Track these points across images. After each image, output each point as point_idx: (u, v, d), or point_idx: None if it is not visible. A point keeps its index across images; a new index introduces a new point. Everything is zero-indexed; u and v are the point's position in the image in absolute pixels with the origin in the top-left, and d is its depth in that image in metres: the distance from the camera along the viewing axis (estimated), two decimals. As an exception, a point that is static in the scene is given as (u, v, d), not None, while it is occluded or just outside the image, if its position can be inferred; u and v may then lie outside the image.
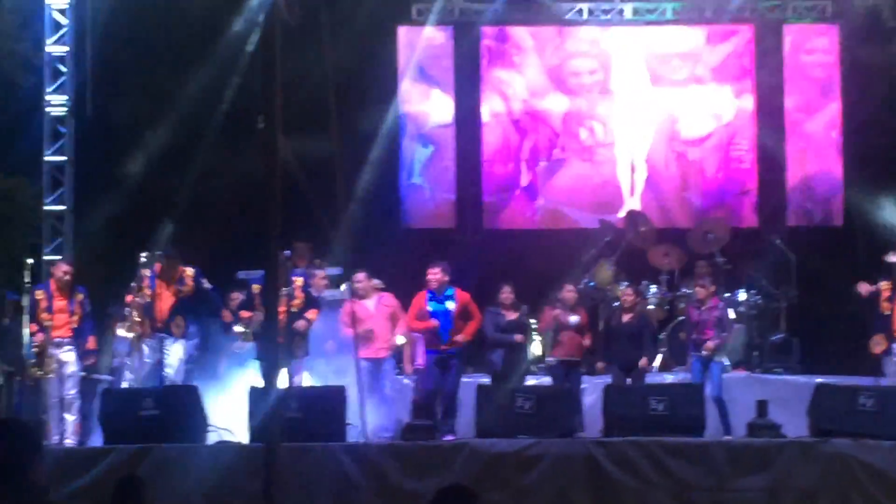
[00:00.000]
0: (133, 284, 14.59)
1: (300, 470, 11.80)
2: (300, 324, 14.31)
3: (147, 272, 14.51)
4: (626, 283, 17.14)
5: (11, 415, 14.11)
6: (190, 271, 14.61)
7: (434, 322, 14.64)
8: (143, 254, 14.54)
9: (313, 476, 12.09)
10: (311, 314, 14.54)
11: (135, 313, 14.46)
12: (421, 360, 15.31)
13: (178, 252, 14.66)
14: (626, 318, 15.63)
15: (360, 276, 15.39)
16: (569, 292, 15.68)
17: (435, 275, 14.79)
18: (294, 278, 14.49)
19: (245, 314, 14.64)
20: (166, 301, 14.49)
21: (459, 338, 14.65)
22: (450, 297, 14.74)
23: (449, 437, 13.61)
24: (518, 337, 15.24)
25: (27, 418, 14.24)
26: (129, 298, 14.60)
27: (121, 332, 14.84)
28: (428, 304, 14.78)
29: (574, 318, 15.39)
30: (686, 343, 16.07)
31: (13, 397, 14.66)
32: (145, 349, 14.55)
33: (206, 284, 14.82)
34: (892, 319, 14.50)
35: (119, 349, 15.35)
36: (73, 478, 12.21)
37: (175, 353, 14.55)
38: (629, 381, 15.02)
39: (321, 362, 14.89)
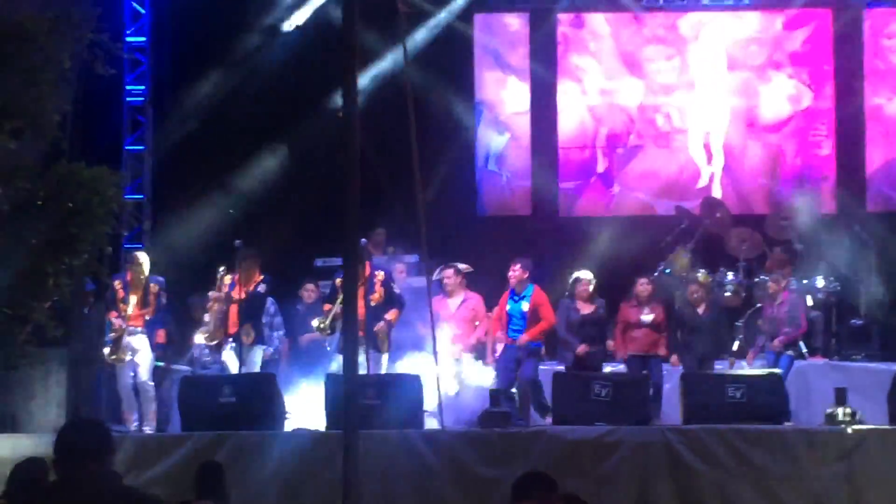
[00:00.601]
0: (211, 293, 14.66)
1: (377, 457, 11.81)
2: (380, 326, 14.22)
3: (228, 279, 14.54)
4: (702, 271, 17.08)
5: (91, 401, 14.26)
6: (260, 277, 14.60)
7: (504, 337, 14.69)
8: (221, 268, 14.59)
9: (391, 463, 12.11)
10: (391, 315, 14.38)
11: (214, 321, 14.55)
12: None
13: (256, 254, 14.64)
14: (700, 310, 15.52)
15: (449, 272, 15.34)
16: (642, 286, 15.47)
17: (515, 272, 14.77)
18: (376, 272, 14.39)
19: (327, 307, 14.58)
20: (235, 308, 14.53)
21: (522, 338, 14.60)
22: (525, 297, 14.69)
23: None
24: (581, 349, 14.96)
25: (105, 404, 14.43)
26: (212, 297, 14.67)
27: (199, 339, 14.94)
28: (507, 304, 14.78)
29: (647, 317, 15.24)
30: (760, 331, 16.00)
31: (93, 384, 14.79)
32: (227, 357, 14.61)
33: (261, 289, 14.76)
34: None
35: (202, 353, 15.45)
36: (151, 464, 12.31)
37: (255, 359, 14.55)
38: None
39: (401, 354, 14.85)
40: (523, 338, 14.60)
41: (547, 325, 14.79)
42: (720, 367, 15.52)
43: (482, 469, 12.07)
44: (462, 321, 15.20)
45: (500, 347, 15.02)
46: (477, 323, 15.40)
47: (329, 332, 14.44)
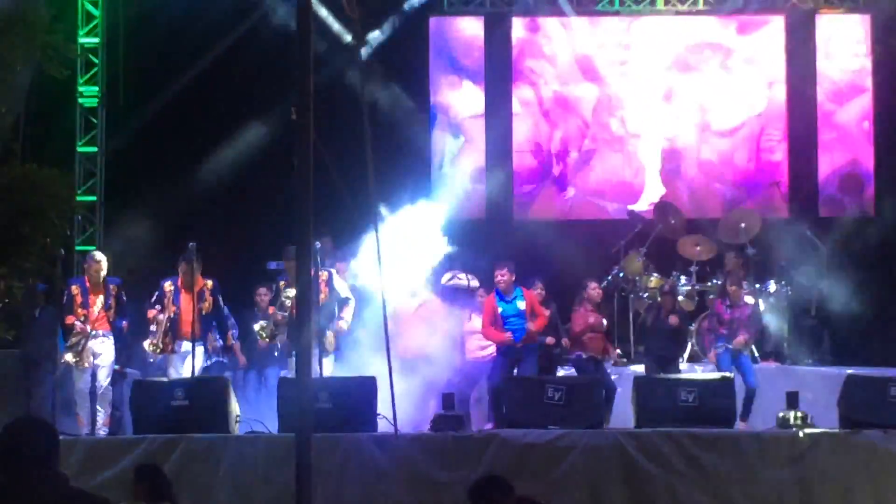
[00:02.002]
0: (153, 300, 14.58)
1: (330, 460, 11.79)
2: (339, 325, 14.26)
3: (168, 286, 14.49)
4: (655, 275, 17.15)
5: (43, 405, 14.15)
6: (209, 284, 14.56)
7: (509, 335, 14.63)
8: (168, 282, 14.55)
9: (343, 466, 12.08)
10: (344, 313, 14.41)
11: (160, 330, 14.48)
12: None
13: (200, 258, 14.57)
14: (669, 317, 15.61)
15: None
16: (594, 290, 15.66)
17: (503, 276, 14.76)
18: (320, 272, 14.37)
19: (272, 310, 14.59)
20: (190, 310, 14.44)
21: (532, 328, 14.63)
22: (518, 297, 14.74)
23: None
24: (549, 339, 15.21)
25: (58, 409, 14.32)
26: (151, 314, 14.59)
27: (148, 347, 14.86)
28: (498, 306, 14.77)
29: (599, 320, 15.47)
30: (707, 337, 16.04)
31: (46, 386, 14.68)
32: (173, 364, 14.56)
33: (221, 303, 14.73)
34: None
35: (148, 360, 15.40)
36: (103, 468, 12.24)
37: (198, 361, 14.49)
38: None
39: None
40: (532, 327, 14.61)
41: (543, 321, 14.82)
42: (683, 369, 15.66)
43: (435, 473, 12.06)
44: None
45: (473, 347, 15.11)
46: None
47: (268, 339, 14.54)
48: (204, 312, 14.45)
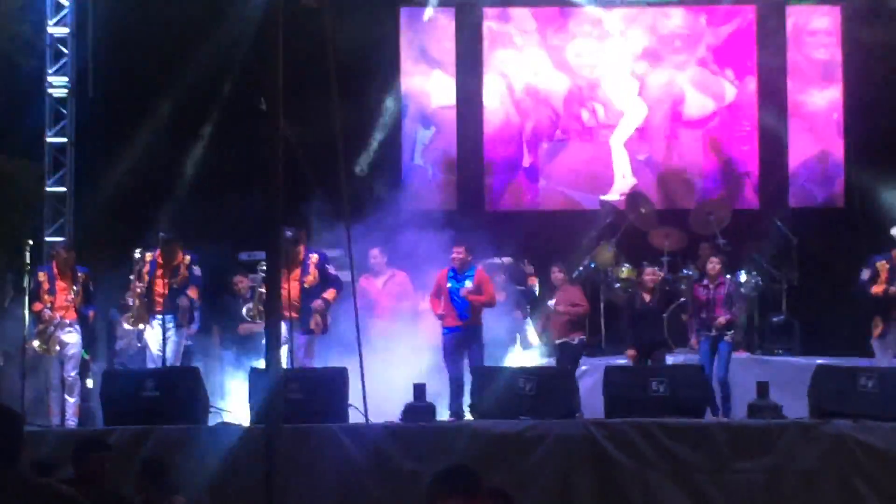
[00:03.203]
0: (132, 276, 14.57)
1: (301, 451, 11.79)
2: (317, 304, 14.37)
3: (148, 256, 14.48)
4: (626, 265, 17.19)
5: (13, 395, 14.09)
6: (188, 259, 14.54)
7: (444, 308, 14.67)
8: (138, 250, 14.51)
9: (314, 457, 12.08)
10: (329, 294, 14.56)
11: (137, 303, 14.46)
12: None
13: (177, 236, 14.58)
14: (647, 298, 15.64)
15: (375, 251, 15.53)
16: (554, 274, 15.85)
17: (459, 254, 14.88)
18: (310, 255, 14.48)
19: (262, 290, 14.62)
20: (163, 284, 14.43)
21: (465, 291, 14.68)
22: (469, 276, 14.78)
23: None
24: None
25: (28, 400, 14.27)
26: (134, 286, 14.59)
27: (126, 325, 14.83)
28: (448, 282, 14.84)
29: (551, 302, 15.53)
30: (689, 324, 16.06)
31: (17, 377, 14.63)
32: (148, 336, 14.54)
33: (197, 272, 14.71)
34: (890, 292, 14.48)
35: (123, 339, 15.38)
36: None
37: (174, 338, 14.46)
38: (650, 362, 15.10)
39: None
40: (475, 300, 14.67)
41: (488, 298, 14.88)
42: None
43: (406, 463, 12.06)
44: (389, 295, 15.55)
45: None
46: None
47: (259, 317, 14.58)
48: (176, 286, 14.44)
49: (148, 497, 9.79)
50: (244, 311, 14.82)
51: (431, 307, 15.06)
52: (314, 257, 14.61)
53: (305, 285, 14.25)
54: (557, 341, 15.76)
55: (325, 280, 14.65)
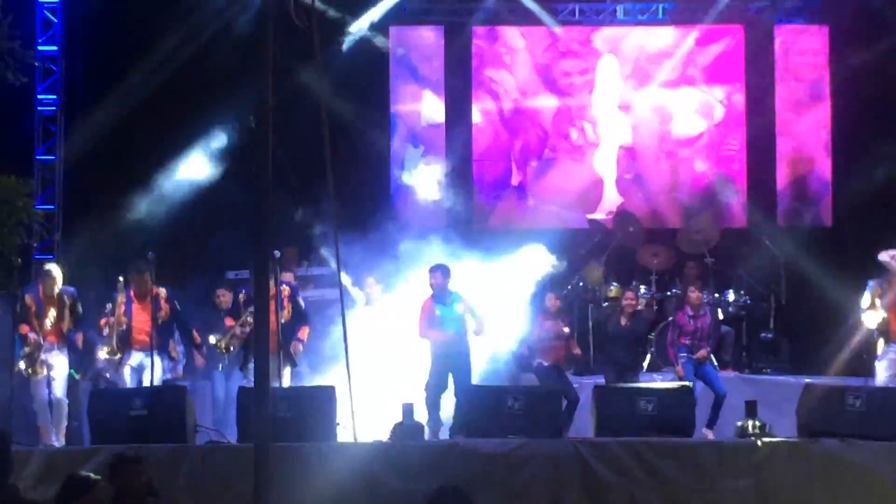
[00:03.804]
0: (108, 306, 14.52)
1: (290, 469, 11.74)
2: (296, 347, 14.39)
3: (122, 298, 14.43)
4: (615, 284, 17.19)
5: (2, 412, 14.06)
6: (163, 292, 14.49)
7: (447, 333, 14.62)
8: (120, 278, 14.46)
9: (303, 475, 12.03)
10: (302, 333, 14.54)
11: (114, 337, 14.42)
12: None
13: (150, 266, 14.47)
14: (623, 321, 15.65)
15: (371, 280, 15.51)
16: (551, 301, 15.72)
17: (434, 280, 14.72)
18: (282, 288, 14.31)
19: (229, 322, 14.62)
20: (142, 319, 14.38)
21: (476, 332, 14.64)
22: (456, 300, 14.68)
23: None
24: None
25: (18, 417, 14.24)
26: (102, 322, 14.55)
27: (101, 354, 14.78)
28: (437, 310, 14.71)
29: (567, 329, 15.47)
30: (672, 346, 16.05)
31: (3, 396, 14.59)
32: (127, 370, 14.50)
33: (178, 307, 14.69)
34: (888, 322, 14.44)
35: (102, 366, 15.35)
36: (61, 478, 12.13)
37: (156, 371, 14.40)
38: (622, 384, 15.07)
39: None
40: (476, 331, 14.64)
41: (484, 322, 14.79)
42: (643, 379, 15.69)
43: (395, 482, 12.01)
44: None
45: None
46: None
47: (225, 350, 14.56)
48: (160, 321, 14.38)
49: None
50: (212, 340, 14.78)
51: (429, 337, 14.87)
52: (286, 290, 14.44)
53: (282, 320, 14.09)
54: (546, 363, 15.65)
55: (298, 314, 14.54)
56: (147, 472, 9.53)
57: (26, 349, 14.10)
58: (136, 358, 14.42)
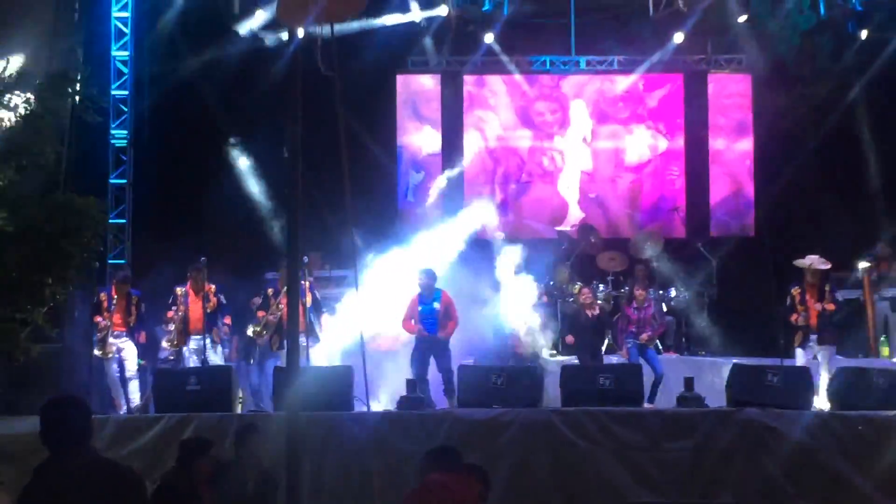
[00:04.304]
0: (170, 302, 14.61)
1: (315, 434, 11.74)
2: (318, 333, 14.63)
3: (181, 291, 14.54)
4: (579, 283, 17.17)
5: (80, 388, 14.05)
6: (212, 287, 14.62)
7: (416, 328, 14.58)
8: (178, 288, 14.57)
9: (325, 439, 12.03)
10: (323, 320, 14.79)
11: (174, 328, 14.48)
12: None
13: (204, 267, 14.60)
14: (590, 314, 15.64)
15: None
16: (541, 298, 15.84)
17: (420, 281, 14.71)
18: (303, 281, 14.44)
19: (261, 314, 14.70)
20: (197, 310, 14.47)
21: (441, 335, 14.61)
22: (437, 299, 14.67)
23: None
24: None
25: (95, 391, 14.25)
26: (169, 314, 14.63)
27: (165, 344, 14.81)
28: (419, 305, 14.71)
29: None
30: (620, 337, 16.05)
31: (82, 375, 14.61)
32: (186, 354, 14.56)
33: (223, 300, 14.76)
34: (807, 317, 14.46)
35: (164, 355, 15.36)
36: (130, 441, 12.16)
37: (215, 357, 14.49)
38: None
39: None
40: (442, 335, 14.54)
41: (454, 323, 14.74)
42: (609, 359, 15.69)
43: (400, 443, 12.02)
44: None
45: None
46: None
47: (262, 334, 14.63)
48: (209, 311, 14.48)
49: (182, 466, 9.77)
50: (249, 330, 14.89)
51: (406, 329, 14.89)
52: (307, 283, 14.67)
53: (307, 306, 14.29)
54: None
55: (315, 301, 14.71)
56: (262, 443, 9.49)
57: (98, 335, 14.14)
58: (193, 342, 14.55)
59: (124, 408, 14.17)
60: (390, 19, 19.67)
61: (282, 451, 6.76)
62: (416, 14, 20.03)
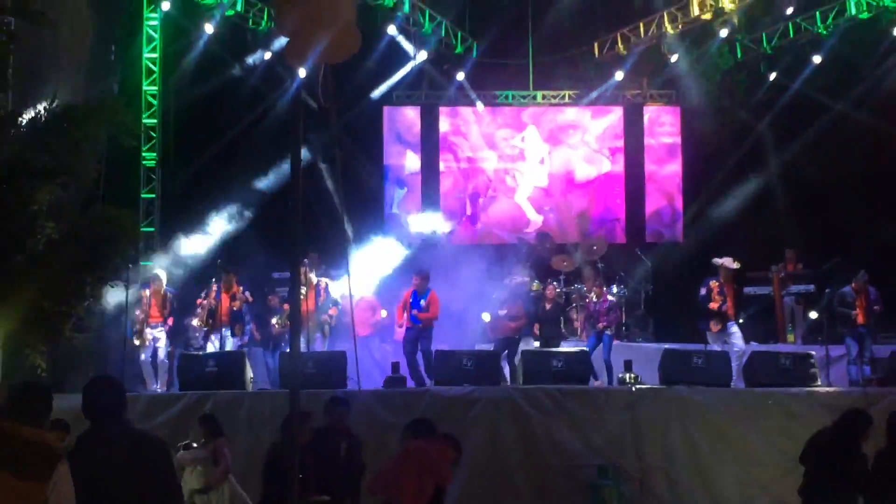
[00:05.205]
0: (204, 293, 14.57)
1: (313, 409, 11.71)
2: (325, 318, 14.66)
3: (214, 286, 14.52)
4: (536, 281, 17.17)
5: (117, 370, 13.97)
6: (240, 289, 14.60)
7: (404, 318, 14.49)
8: (213, 280, 14.55)
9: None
10: (332, 311, 14.77)
11: (204, 312, 14.47)
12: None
13: (235, 270, 14.64)
14: (548, 306, 15.60)
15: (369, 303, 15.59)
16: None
17: (414, 281, 14.68)
18: (320, 280, 14.62)
19: (286, 306, 14.68)
20: (226, 305, 14.47)
21: (421, 316, 14.54)
22: (424, 297, 14.62)
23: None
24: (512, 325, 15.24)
25: (129, 373, 14.17)
26: (199, 301, 14.60)
27: (195, 322, 14.77)
28: (411, 299, 14.69)
29: (503, 311, 15.31)
30: (581, 324, 16.00)
31: (119, 359, 14.52)
32: (212, 338, 14.53)
33: (249, 298, 14.74)
34: (723, 308, 14.46)
35: (194, 334, 15.28)
36: (158, 414, 12.11)
37: (230, 345, 14.43)
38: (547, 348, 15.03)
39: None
40: (422, 316, 14.48)
41: (433, 315, 14.67)
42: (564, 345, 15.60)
43: (386, 416, 12.01)
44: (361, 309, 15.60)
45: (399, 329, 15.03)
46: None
47: (284, 326, 14.59)
48: (235, 308, 14.44)
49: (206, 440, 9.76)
50: (274, 320, 14.82)
51: (396, 315, 14.87)
52: (323, 282, 14.68)
53: (320, 302, 14.25)
54: (502, 336, 15.46)
55: (329, 299, 14.72)
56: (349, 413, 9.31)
57: (136, 326, 14.07)
58: (219, 332, 14.52)
59: (154, 386, 14.09)
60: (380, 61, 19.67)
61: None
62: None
